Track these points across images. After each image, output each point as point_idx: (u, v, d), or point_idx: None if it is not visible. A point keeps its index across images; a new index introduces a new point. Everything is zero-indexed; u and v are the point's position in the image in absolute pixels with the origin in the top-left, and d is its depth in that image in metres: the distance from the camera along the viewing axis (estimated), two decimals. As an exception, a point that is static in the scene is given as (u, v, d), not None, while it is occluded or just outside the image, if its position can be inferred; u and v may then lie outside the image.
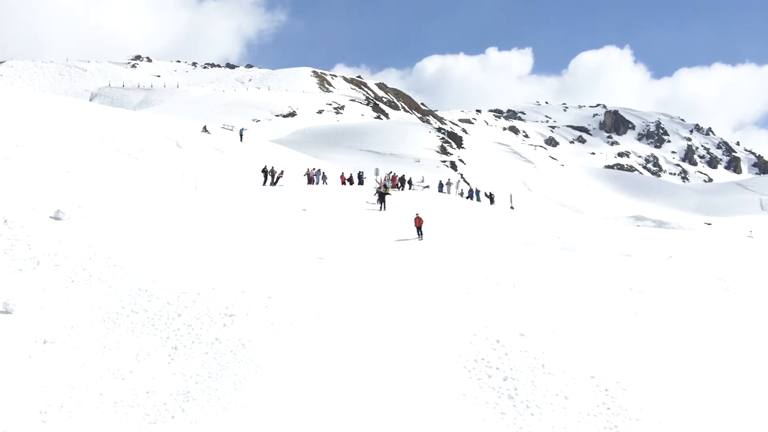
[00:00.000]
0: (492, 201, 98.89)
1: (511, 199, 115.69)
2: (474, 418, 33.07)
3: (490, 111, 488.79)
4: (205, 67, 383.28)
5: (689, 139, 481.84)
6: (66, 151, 78.76)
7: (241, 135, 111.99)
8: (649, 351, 39.61)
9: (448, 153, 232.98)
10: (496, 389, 35.28)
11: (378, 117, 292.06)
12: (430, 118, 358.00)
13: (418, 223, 58.52)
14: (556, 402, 34.32)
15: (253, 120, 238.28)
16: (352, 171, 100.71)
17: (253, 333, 39.05)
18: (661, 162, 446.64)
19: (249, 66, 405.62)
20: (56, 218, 50.86)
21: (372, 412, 32.87)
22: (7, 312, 39.36)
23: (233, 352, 37.44)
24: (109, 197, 58.58)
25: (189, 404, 33.63)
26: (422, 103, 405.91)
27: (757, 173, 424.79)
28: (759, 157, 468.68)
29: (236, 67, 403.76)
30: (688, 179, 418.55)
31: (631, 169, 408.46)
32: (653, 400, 34.62)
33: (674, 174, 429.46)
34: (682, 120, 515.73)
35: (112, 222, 52.28)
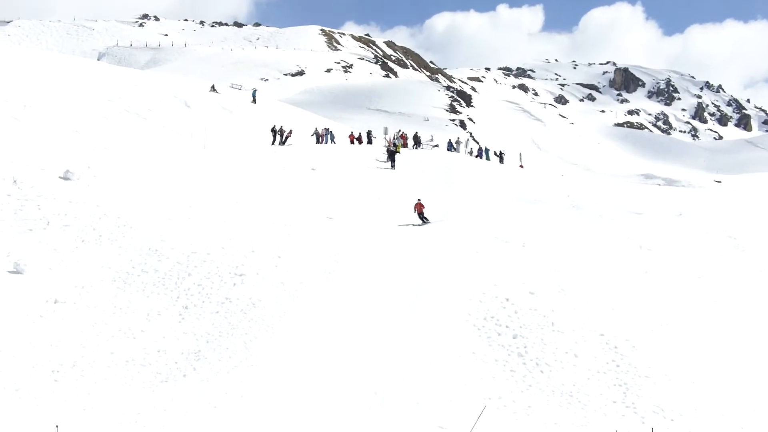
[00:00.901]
0: (501, 160, 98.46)
1: (520, 158, 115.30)
2: (484, 375, 33.21)
3: (500, 69, 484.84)
4: (212, 26, 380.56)
5: (699, 97, 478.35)
6: (74, 111, 78.59)
7: (254, 96, 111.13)
8: (659, 309, 39.66)
9: (458, 112, 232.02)
10: (505, 347, 35.39)
11: (387, 76, 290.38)
12: (439, 76, 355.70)
13: (419, 209, 52.98)
14: (566, 360, 34.44)
15: (261, 79, 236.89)
16: (360, 130, 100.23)
17: (264, 292, 39.15)
18: (671, 120, 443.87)
19: (257, 24, 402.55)
20: (65, 178, 50.87)
21: (381, 370, 33.02)
22: (17, 272, 39.51)
23: (243, 311, 37.56)
24: (118, 157, 58.52)
25: (200, 363, 33.80)
26: (431, 62, 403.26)
27: (767, 131, 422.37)
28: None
29: (244, 25, 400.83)
30: (698, 137, 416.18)
31: (641, 127, 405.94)
32: (662, 358, 34.70)
33: (684, 132, 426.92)
34: (693, 77, 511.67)
35: (121, 182, 52.28)
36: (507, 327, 36.71)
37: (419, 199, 53.04)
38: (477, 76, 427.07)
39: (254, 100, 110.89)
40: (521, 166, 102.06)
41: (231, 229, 46.52)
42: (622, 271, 45.06)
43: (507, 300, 38.96)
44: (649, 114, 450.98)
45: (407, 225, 52.07)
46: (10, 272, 39.23)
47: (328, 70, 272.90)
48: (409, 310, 37.62)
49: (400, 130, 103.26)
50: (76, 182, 50.69)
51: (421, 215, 51.84)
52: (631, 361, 34.29)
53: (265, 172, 62.50)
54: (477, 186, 66.51)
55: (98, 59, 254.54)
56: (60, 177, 50.90)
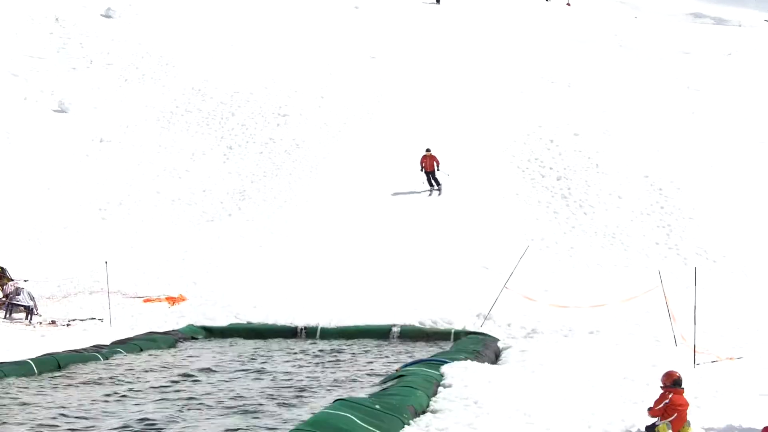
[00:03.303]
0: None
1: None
2: (527, 217, 33.23)
3: None
4: None
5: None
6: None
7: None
8: (705, 150, 39.12)
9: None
10: (549, 189, 35.27)
11: None
12: None
13: (429, 166, 35.11)
14: (610, 201, 34.29)
15: None
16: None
17: (307, 133, 39.14)
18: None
19: None
20: (107, 16, 50.50)
21: (422, 211, 33.16)
22: (62, 111, 39.74)
23: (287, 151, 37.65)
24: (159, -5, 57.76)
25: (245, 203, 34.15)
26: None
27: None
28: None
29: None
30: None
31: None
32: (707, 200, 34.43)
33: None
34: None
35: (162, 20, 51.77)
36: (551, 168, 36.50)
37: (428, 150, 35.23)
38: None
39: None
40: (568, 4, 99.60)
41: (274, 70, 46.17)
42: (668, 112, 44.32)
43: (551, 141, 38.59)
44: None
45: (450, 65, 51.30)
46: (55, 111, 39.46)
47: None
48: (451, 151, 37.42)
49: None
50: (117, 20, 50.31)
51: (431, 175, 35.16)
52: (676, 202, 34.06)
53: (307, 10, 61.45)
54: (522, 24, 65.09)
55: None
56: (102, 15, 50.51)
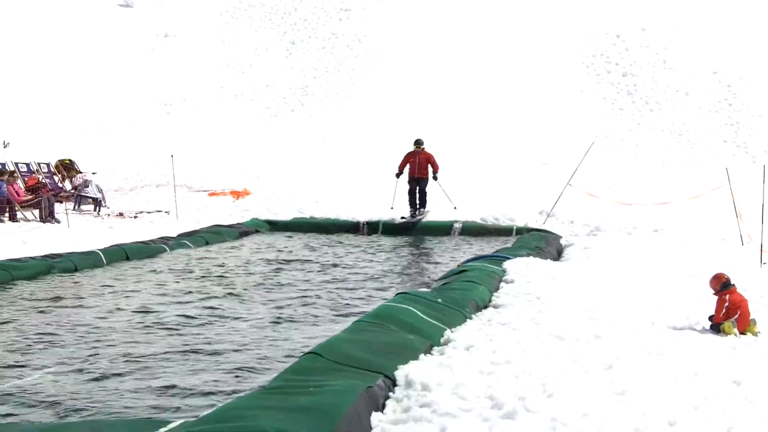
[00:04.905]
0: None
1: None
2: (591, 113, 32.86)
3: None
4: None
5: None
6: None
7: None
8: (777, 46, 38.09)
9: None
10: (614, 85, 34.75)
11: None
12: None
13: (420, 171, 22.09)
14: (676, 98, 33.73)
15: None
16: None
17: (369, 28, 38.79)
18: None
19: None
20: None
21: (485, 106, 32.91)
22: (127, 5, 39.83)
23: (349, 46, 37.42)
24: None
25: (308, 98, 34.16)
26: None
27: None
28: None
29: None
30: None
31: None
32: (778, 97, 33.68)
33: None
34: None
35: None
36: (617, 64, 35.89)
37: (421, 147, 22.40)
38: None
39: None
40: None
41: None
42: (739, 5, 43.04)
43: (618, 37, 37.83)
44: None
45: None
46: (120, 5, 39.57)
47: None
48: (512, 47, 36.90)
49: None
50: None
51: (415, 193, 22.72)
52: (744, 99, 33.39)
53: None
54: None
55: None
56: None
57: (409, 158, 21.41)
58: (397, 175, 21.46)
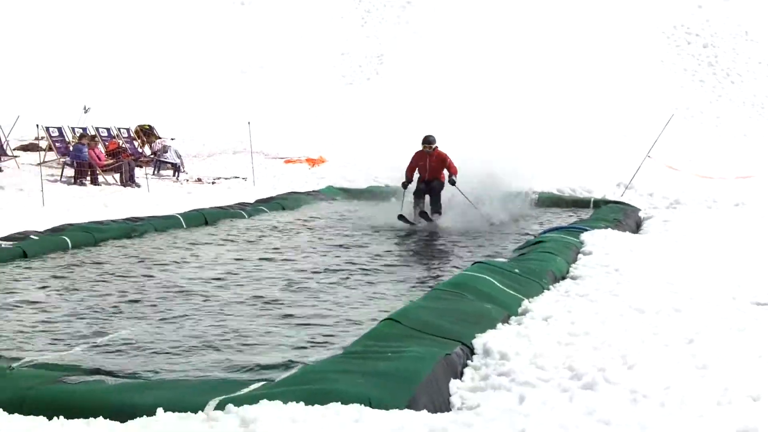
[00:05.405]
0: None
1: None
2: (671, 85, 32.35)
3: None
4: None
5: None
6: None
7: None
8: None
9: None
10: (695, 56, 34.12)
11: None
12: None
13: (431, 173, 17.13)
14: (759, 70, 33.03)
15: None
16: None
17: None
18: None
19: None
20: None
21: (559, 76, 32.57)
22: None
23: (424, 15, 37.23)
24: None
25: (383, 67, 34.15)
26: None
27: None
28: None
29: None
30: None
31: None
32: None
33: None
34: None
35: None
36: (697, 35, 35.21)
37: (435, 145, 17.47)
38: None
39: None
40: None
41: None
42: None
43: (699, 7, 37.06)
44: None
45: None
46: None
47: None
48: (596, 19, 36.39)
49: None
50: None
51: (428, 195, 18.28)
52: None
53: None
54: None
55: None
56: None
57: (418, 161, 16.70)
58: (404, 185, 16.70)
